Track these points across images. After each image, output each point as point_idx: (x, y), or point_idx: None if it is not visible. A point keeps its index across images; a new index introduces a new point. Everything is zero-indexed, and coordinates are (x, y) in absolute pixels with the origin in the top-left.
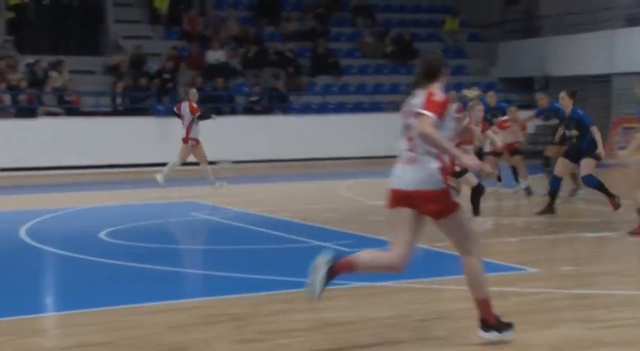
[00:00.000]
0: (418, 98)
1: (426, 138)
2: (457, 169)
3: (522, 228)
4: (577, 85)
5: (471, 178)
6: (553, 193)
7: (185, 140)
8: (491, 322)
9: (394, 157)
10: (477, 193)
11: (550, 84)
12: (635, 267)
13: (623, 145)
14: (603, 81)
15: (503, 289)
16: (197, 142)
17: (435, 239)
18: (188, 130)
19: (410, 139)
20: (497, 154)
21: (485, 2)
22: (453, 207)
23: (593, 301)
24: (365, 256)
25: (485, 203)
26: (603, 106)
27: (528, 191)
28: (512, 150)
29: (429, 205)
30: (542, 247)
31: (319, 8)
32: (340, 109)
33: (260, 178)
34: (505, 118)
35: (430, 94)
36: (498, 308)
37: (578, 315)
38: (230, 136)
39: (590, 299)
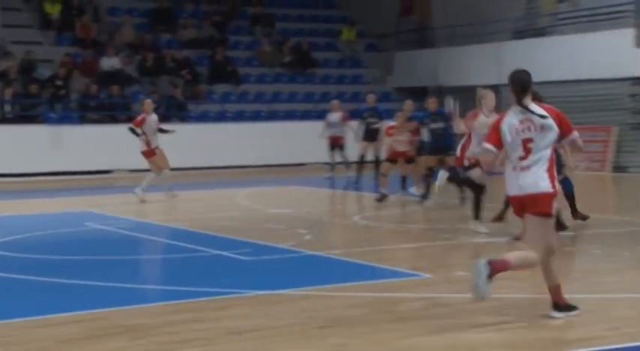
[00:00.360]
0: (535, 114)
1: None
2: (466, 163)
3: (417, 234)
4: (468, 95)
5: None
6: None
7: (150, 153)
8: (561, 304)
9: (293, 165)
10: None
11: (443, 93)
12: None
13: None
14: (493, 91)
15: (398, 294)
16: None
17: (332, 246)
18: (149, 141)
19: (528, 151)
20: (393, 160)
21: (381, 13)
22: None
23: (483, 305)
24: (515, 255)
25: (383, 211)
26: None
27: (423, 197)
28: (407, 158)
29: (537, 205)
30: (437, 253)
31: (217, 16)
32: (239, 117)
33: (157, 186)
34: (391, 124)
35: (559, 113)
36: (392, 314)
37: (469, 319)
38: (126, 144)
39: (480, 303)
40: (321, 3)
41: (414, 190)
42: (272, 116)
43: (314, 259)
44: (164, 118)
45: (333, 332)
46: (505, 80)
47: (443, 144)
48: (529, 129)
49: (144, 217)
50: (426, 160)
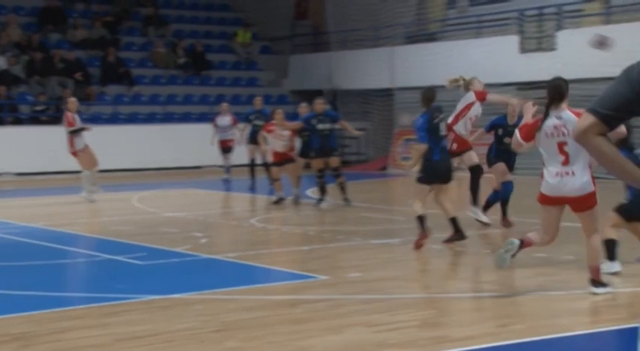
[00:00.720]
0: (567, 119)
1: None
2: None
3: (313, 236)
4: (362, 99)
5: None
6: None
7: (74, 153)
8: (600, 281)
9: (189, 168)
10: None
11: (338, 97)
12: (415, 272)
13: (406, 156)
14: (386, 95)
15: (294, 297)
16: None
17: (228, 250)
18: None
19: (566, 155)
20: (278, 164)
21: (276, 16)
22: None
23: (377, 305)
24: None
25: (279, 213)
26: (387, 118)
27: (296, 200)
28: (286, 159)
29: (582, 205)
30: (331, 254)
31: (108, 16)
32: (132, 119)
33: (47, 190)
34: (272, 122)
35: None
36: (288, 315)
37: (364, 319)
38: (14, 146)
39: (374, 304)
40: (215, 5)
41: (310, 192)
42: (167, 118)
43: (210, 263)
44: (54, 119)
45: (228, 336)
46: (398, 84)
47: (329, 146)
48: (563, 134)
49: (34, 222)
50: (314, 163)
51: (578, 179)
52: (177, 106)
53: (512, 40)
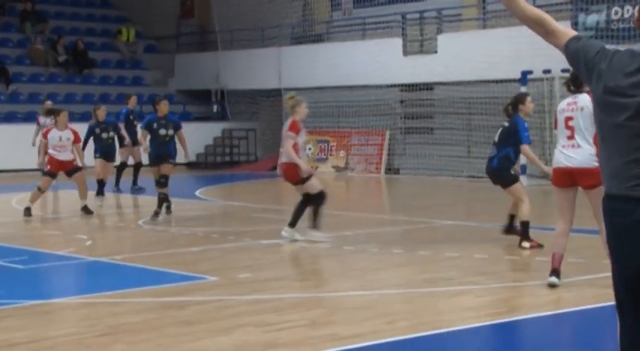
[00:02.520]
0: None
1: None
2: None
3: (202, 237)
4: (251, 99)
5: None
6: None
7: None
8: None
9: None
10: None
11: (226, 97)
12: (303, 271)
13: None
14: (274, 95)
15: (184, 298)
16: None
17: (115, 252)
18: None
19: (572, 129)
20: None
21: (161, 15)
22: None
23: (267, 305)
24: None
25: (166, 214)
26: (275, 118)
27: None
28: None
29: (588, 179)
30: (222, 255)
31: None
32: (10, 118)
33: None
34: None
35: None
36: (176, 317)
37: (253, 319)
38: None
39: (263, 304)
40: (96, 2)
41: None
42: None
43: (96, 266)
44: None
45: (115, 340)
46: (285, 84)
47: (165, 152)
48: (572, 109)
49: None
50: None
51: (582, 151)
52: (58, 106)
53: (396, 43)
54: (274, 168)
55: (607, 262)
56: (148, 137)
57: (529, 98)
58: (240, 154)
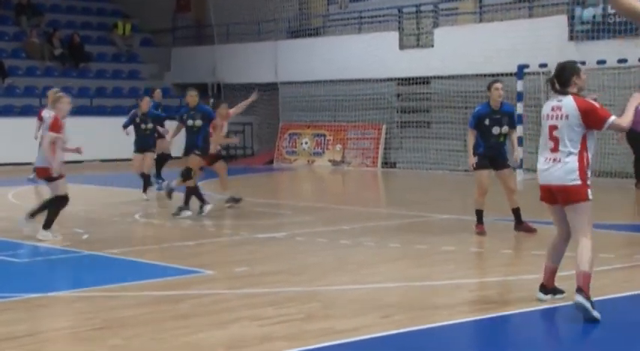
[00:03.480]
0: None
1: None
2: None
3: (199, 231)
4: (247, 93)
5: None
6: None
7: None
8: (585, 292)
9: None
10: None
11: (222, 90)
12: (300, 265)
13: (291, 150)
14: (271, 89)
15: (180, 292)
16: None
17: (111, 245)
18: None
19: (557, 141)
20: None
21: (156, 8)
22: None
23: (262, 299)
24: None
25: (164, 208)
26: (272, 112)
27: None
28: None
29: (566, 196)
30: (219, 249)
31: None
32: (6, 112)
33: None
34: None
35: (588, 107)
36: (173, 311)
37: (249, 313)
38: None
39: (259, 298)
40: None
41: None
42: None
43: (92, 259)
44: None
45: (111, 333)
46: (281, 78)
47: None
48: (557, 117)
49: None
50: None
51: (563, 167)
52: None
53: (392, 37)
54: (271, 162)
55: (603, 256)
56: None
57: (496, 85)
58: (236, 147)
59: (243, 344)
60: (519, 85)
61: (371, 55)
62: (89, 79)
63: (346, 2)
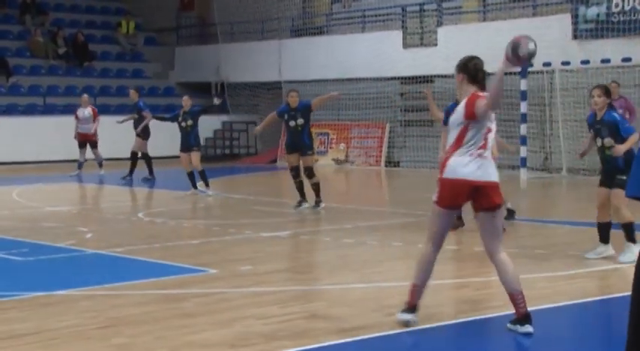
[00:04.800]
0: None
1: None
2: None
3: (203, 230)
4: (251, 91)
5: None
6: None
7: None
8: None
9: (69, 161)
10: None
11: (226, 89)
12: (304, 264)
13: None
14: (274, 88)
15: (184, 291)
16: None
17: (115, 244)
18: None
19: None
20: None
21: (161, 7)
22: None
23: (267, 297)
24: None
25: (168, 207)
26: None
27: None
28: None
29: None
30: (223, 248)
31: None
32: (11, 110)
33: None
34: None
35: (471, 97)
36: (177, 310)
37: (254, 312)
38: None
39: (264, 296)
40: None
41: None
42: (48, 110)
43: (96, 258)
44: None
45: (116, 332)
46: (285, 77)
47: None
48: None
49: None
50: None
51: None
52: (58, 98)
53: (396, 36)
54: (274, 161)
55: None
56: None
57: (594, 91)
58: (240, 146)
59: (248, 343)
60: (523, 84)
61: (374, 54)
62: (93, 77)
63: (350, 1)
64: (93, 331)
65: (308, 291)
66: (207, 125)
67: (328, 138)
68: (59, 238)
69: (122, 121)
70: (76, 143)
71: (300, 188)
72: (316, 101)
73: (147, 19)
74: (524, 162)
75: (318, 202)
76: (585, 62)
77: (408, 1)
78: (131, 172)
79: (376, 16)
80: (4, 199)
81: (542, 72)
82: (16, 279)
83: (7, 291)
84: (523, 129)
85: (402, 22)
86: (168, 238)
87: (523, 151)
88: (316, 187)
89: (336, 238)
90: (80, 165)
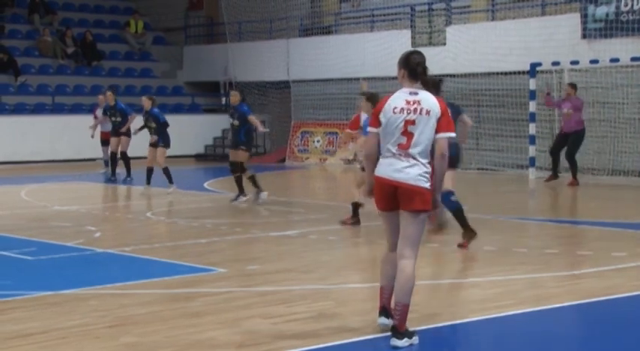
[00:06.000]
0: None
1: None
2: None
3: (211, 229)
4: (259, 91)
5: None
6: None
7: None
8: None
9: (81, 160)
10: None
11: (235, 88)
12: (311, 263)
13: (303, 148)
14: (283, 87)
15: (192, 290)
16: None
17: (124, 243)
18: None
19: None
20: None
21: (169, 6)
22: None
23: (274, 297)
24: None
25: (175, 206)
26: (284, 111)
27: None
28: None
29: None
30: (230, 247)
31: None
32: (19, 110)
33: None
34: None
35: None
36: (185, 309)
37: (261, 311)
38: None
39: (271, 296)
40: None
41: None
42: (57, 109)
43: (105, 257)
44: None
45: (124, 331)
46: (293, 76)
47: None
48: (415, 111)
49: None
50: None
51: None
52: (67, 97)
53: (405, 35)
54: (283, 160)
55: (615, 255)
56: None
57: None
58: None
59: (255, 342)
60: (532, 84)
61: (383, 53)
62: (101, 77)
63: (358, 0)
64: (101, 330)
65: (316, 290)
66: (216, 125)
67: (337, 137)
68: (67, 238)
69: (136, 132)
70: (89, 142)
71: (238, 182)
72: (251, 119)
73: (155, 19)
74: (533, 161)
75: (258, 193)
76: (594, 61)
77: (417, 0)
78: (128, 171)
79: (385, 15)
80: (13, 199)
81: (551, 71)
82: (25, 278)
83: (16, 290)
84: (532, 128)
85: (411, 21)
86: (176, 238)
87: (532, 151)
88: (252, 180)
89: (344, 238)
90: (107, 163)
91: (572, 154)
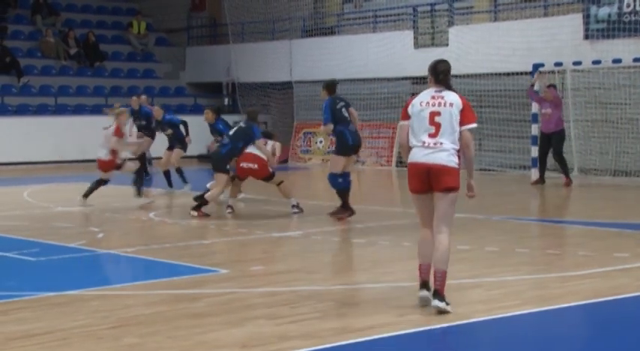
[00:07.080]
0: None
1: None
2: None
3: (214, 230)
4: (262, 91)
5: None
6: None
7: None
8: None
9: (83, 161)
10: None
11: (237, 89)
12: (315, 264)
13: (306, 149)
14: (285, 88)
15: (195, 291)
16: None
17: (126, 244)
18: None
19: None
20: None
21: (171, 7)
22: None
23: (278, 298)
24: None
25: (178, 207)
26: (286, 111)
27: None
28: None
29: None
30: (233, 248)
31: None
32: (22, 111)
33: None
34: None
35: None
36: (188, 310)
37: (265, 312)
38: None
39: (275, 296)
40: None
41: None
42: (59, 110)
43: (107, 258)
44: None
45: (127, 332)
46: (296, 77)
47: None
48: (439, 104)
49: None
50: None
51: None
52: (69, 98)
53: (407, 36)
54: (285, 161)
55: (618, 255)
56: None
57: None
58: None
59: (259, 343)
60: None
61: (385, 54)
62: (104, 78)
63: (361, 1)
64: (104, 331)
65: (319, 291)
66: None
67: None
68: (70, 238)
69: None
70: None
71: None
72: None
73: (158, 20)
74: (535, 162)
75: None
76: (597, 62)
77: (419, 1)
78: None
79: (387, 16)
80: (16, 199)
81: (553, 72)
82: (28, 279)
83: (19, 291)
84: (534, 129)
85: (413, 22)
86: (179, 238)
87: (534, 152)
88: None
89: (347, 238)
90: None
91: (560, 154)
